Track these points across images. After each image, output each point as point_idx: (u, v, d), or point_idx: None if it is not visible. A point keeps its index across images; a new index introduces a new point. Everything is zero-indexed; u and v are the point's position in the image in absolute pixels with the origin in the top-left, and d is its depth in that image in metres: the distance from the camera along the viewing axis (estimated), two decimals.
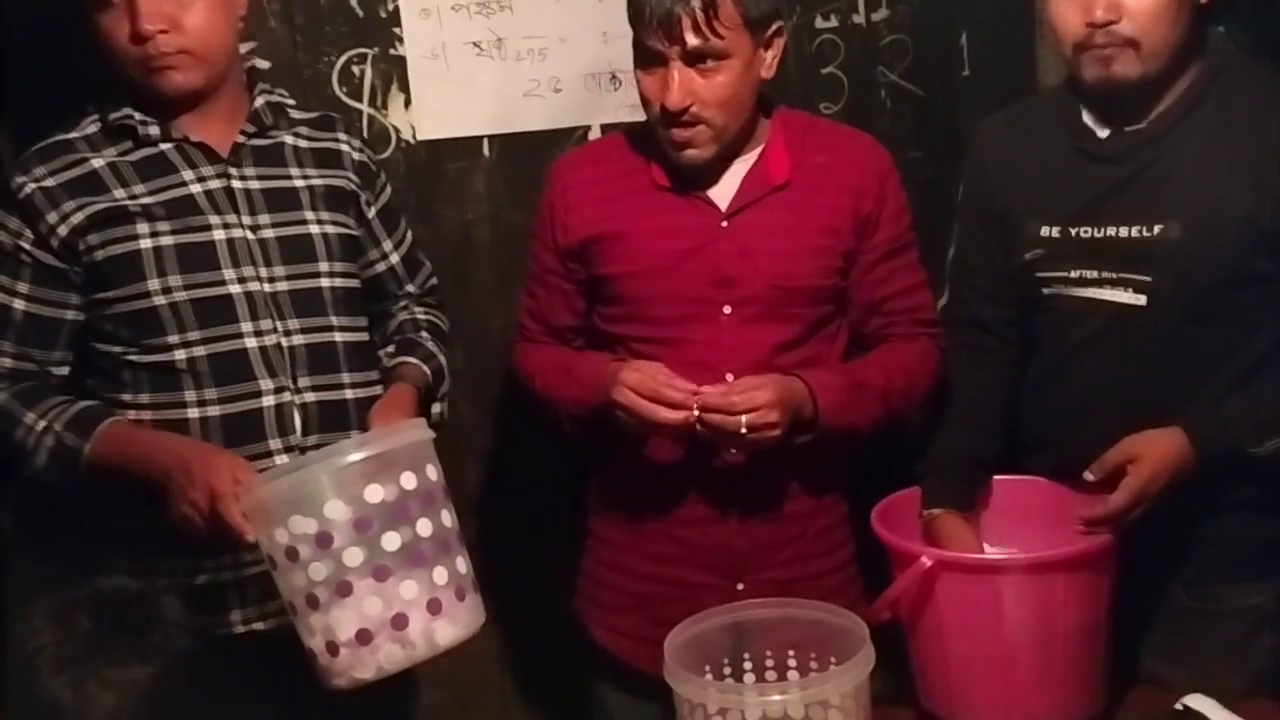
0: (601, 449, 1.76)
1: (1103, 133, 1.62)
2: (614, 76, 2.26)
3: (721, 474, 1.65)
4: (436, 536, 1.40)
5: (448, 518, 1.44)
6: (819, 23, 2.51)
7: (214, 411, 1.55)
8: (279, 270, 1.58)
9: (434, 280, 1.86)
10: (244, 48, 1.91)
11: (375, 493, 1.35)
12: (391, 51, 2.07)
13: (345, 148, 1.71)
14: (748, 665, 1.46)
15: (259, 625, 1.60)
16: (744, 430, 1.49)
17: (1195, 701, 1.45)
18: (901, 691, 1.65)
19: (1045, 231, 1.66)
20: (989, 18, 2.70)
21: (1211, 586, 1.64)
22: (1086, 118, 1.64)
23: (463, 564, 1.44)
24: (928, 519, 1.68)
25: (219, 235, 1.55)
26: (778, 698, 1.30)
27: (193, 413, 1.54)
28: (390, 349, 1.75)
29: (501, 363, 2.05)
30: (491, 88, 2.16)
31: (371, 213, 1.73)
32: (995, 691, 1.54)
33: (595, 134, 2.23)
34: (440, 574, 1.39)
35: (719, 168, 1.65)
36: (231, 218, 1.57)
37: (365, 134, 2.07)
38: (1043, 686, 1.53)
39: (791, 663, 1.44)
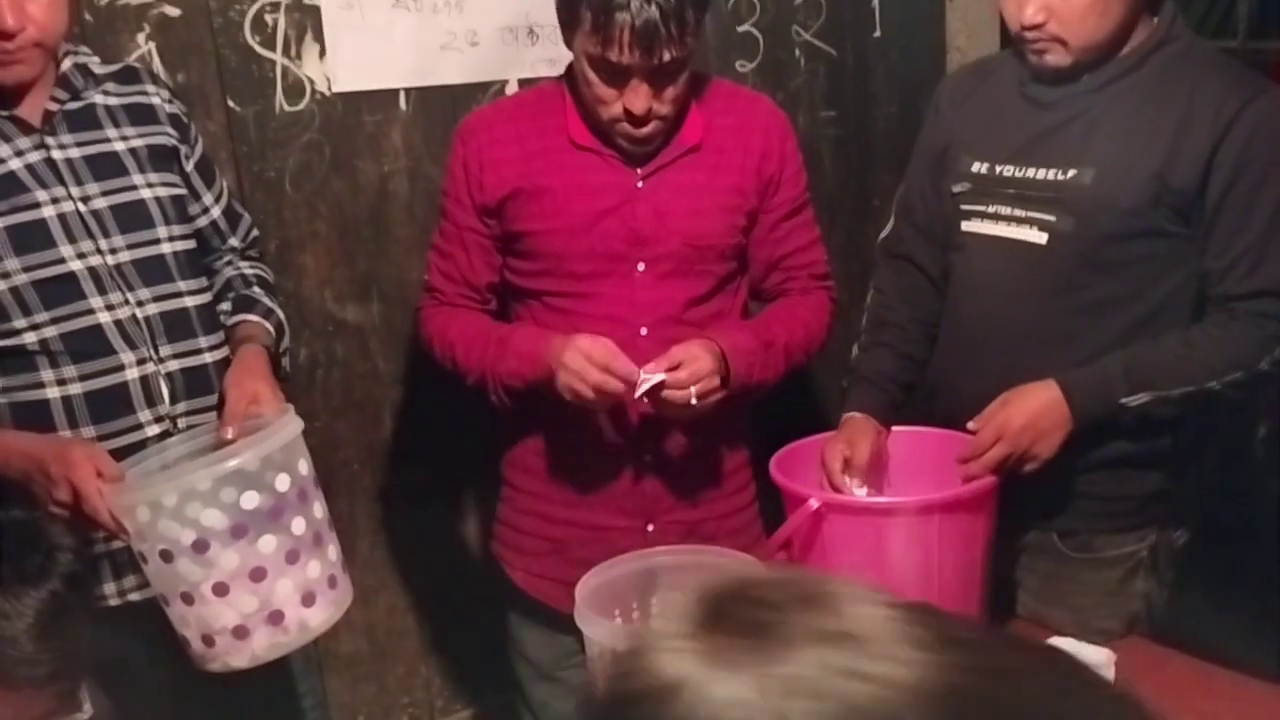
0: (517, 405, 1.79)
1: (1046, 84, 1.70)
2: (531, 30, 2.26)
3: (632, 422, 1.71)
4: (309, 531, 1.44)
5: (319, 509, 1.47)
6: None
7: (75, 390, 1.50)
8: (118, 240, 1.53)
9: (255, 232, 1.81)
10: None
11: (251, 499, 1.38)
12: (305, 1, 2.05)
13: (156, 100, 1.64)
14: (655, 610, 1.52)
15: (135, 596, 1.58)
16: (694, 401, 1.57)
17: (1060, 642, 1.54)
18: None
19: (975, 167, 1.74)
20: None
21: (1089, 536, 1.74)
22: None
23: (333, 551, 1.49)
24: (845, 420, 1.78)
25: (49, 211, 1.48)
26: None
27: (52, 392, 1.50)
28: (226, 306, 1.70)
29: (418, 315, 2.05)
30: (408, 40, 2.15)
31: (190, 166, 1.66)
32: None
33: (513, 88, 2.24)
34: (314, 568, 1.43)
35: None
36: (59, 190, 1.49)
37: (280, 85, 2.05)
38: None
39: None
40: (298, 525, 1.42)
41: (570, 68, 1.68)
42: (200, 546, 1.37)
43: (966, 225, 1.75)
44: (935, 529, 1.58)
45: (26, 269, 1.47)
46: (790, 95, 2.67)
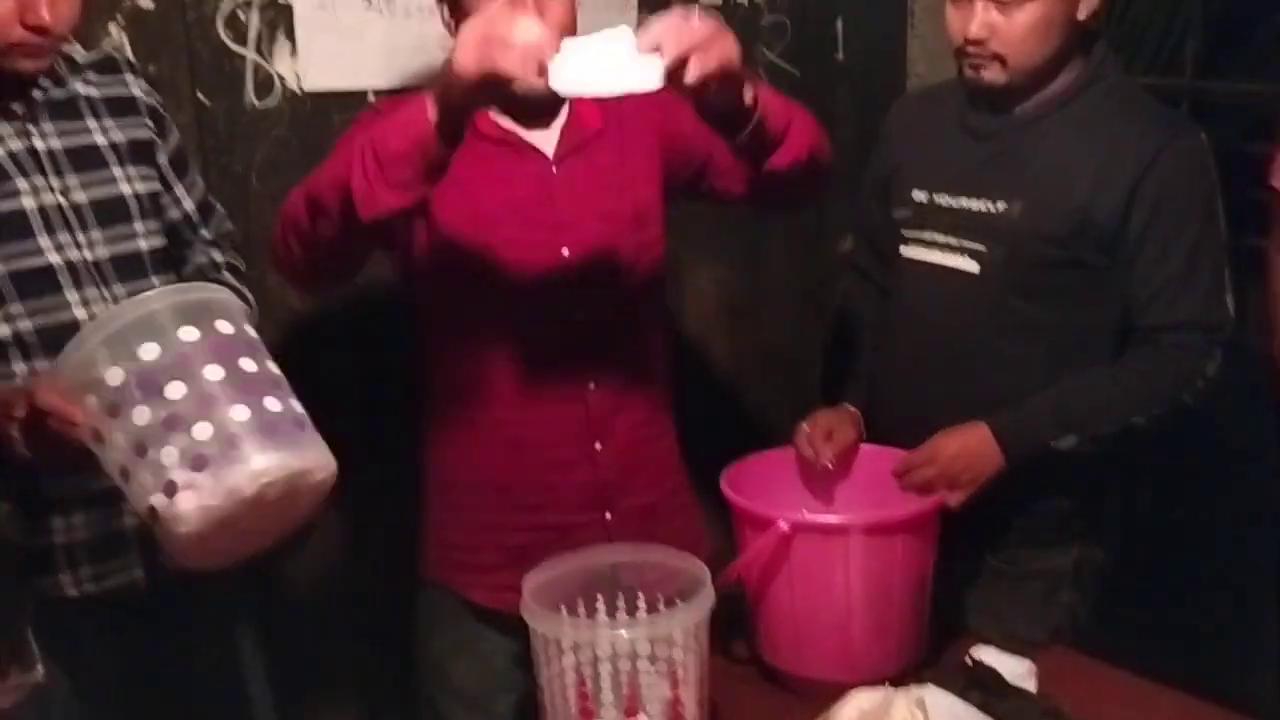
0: (452, 412, 1.77)
1: (983, 114, 1.78)
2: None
3: (583, 410, 1.73)
4: (261, 374, 1.35)
5: (271, 365, 1.39)
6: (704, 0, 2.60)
7: None
8: (96, 235, 1.53)
9: (229, 225, 1.81)
10: None
11: (190, 333, 1.32)
12: None
13: (137, 92, 1.65)
14: (600, 606, 1.54)
15: (91, 587, 1.58)
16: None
17: (981, 652, 1.61)
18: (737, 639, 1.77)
19: (917, 195, 1.83)
20: (864, 5, 2.83)
21: (1016, 550, 1.82)
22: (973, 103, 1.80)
23: (297, 406, 1.38)
24: (833, 408, 1.89)
25: (29, 202, 1.48)
26: (625, 633, 1.42)
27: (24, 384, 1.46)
28: None
29: (383, 315, 2.06)
30: (379, 42, 2.18)
31: (164, 159, 1.67)
32: (834, 643, 1.66)
33: None
34: (272, 403, 1.33)
35: (545, 122, 1.70)
36: (39, 180, 1.49)
37: (251, 81, 2.08)
38: (875, 638, 1.66)
39: (641, 602, 1.54)
40: (246, 364, 1.34)
41: None
42: (144, 380, 1.29)
43: (905, 251, 1.84)
44: (897, 545, 1.64)
45: (4, 259, 1.47)
46: None
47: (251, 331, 1.42)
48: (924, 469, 1.69)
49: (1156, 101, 1.80)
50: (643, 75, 1.30)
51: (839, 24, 2.81)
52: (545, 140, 1.71)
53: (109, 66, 1.64)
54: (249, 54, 2.07)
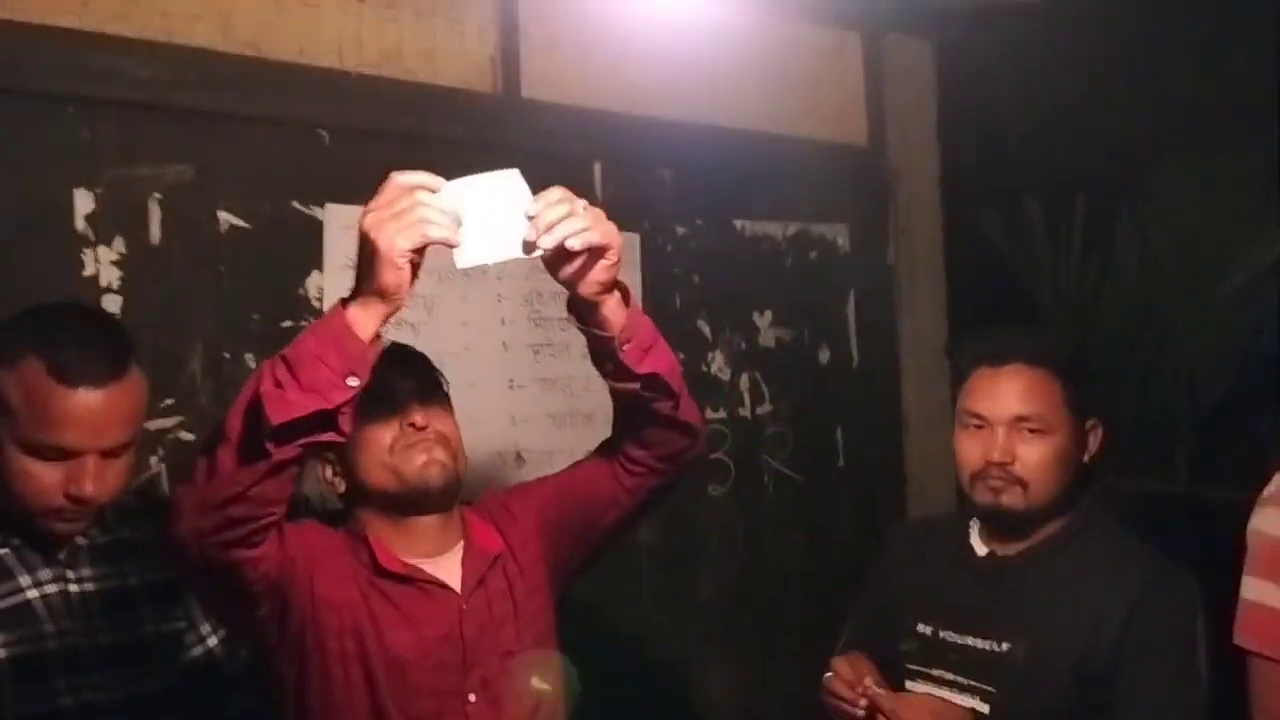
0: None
1: (982, 551, 1.83)
2: (519, 455, 2.44)
3: None
4: None
5: None
6: (709, 413, 2.76)
7: None
8: (113, 675, 1.53)
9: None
10: (170, 420, 2.06)
11: None
12: None
13: None
14: None
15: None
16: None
17: None
18: None
19: (921, 628, 1.84)
20: (862, 415, 3.00)
21: None
22: (973, 537, 1.86)
23: None
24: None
25: (53, 645, 1.50)
26: None
27: None
28: None
29: None
30: None
31: (191, 596, 1.68)
32: None
33: None
34: None
35: (449, 554, 1.63)
36: (66, 624, 1.52)
37: None
38: None
39: None
40: None
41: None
42: None
43: (912, 685, 1.82)
44: None
45: (19, 700, 1.47)
46: (760, 519, 2.82)
47: None
48: None
49: (1147, 547, 1.86)
50: (526, 240, 1.34)
51: (839, 433, 2.97)
52: (450, 573, 1.62)
53: (155, 511, 1.69)
54: None
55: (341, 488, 1.65)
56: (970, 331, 1.90)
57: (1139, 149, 3.25)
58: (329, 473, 1.65)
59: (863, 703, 1.74)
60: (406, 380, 1.63)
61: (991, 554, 1.82)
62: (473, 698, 1.59)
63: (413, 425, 1.59)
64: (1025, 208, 3.24)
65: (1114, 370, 3.19)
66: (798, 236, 2.94)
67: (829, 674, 1.82)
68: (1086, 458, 1.79)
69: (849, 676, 1.77)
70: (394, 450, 1.59)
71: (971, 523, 1.87)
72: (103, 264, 1.99)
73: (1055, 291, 3.17)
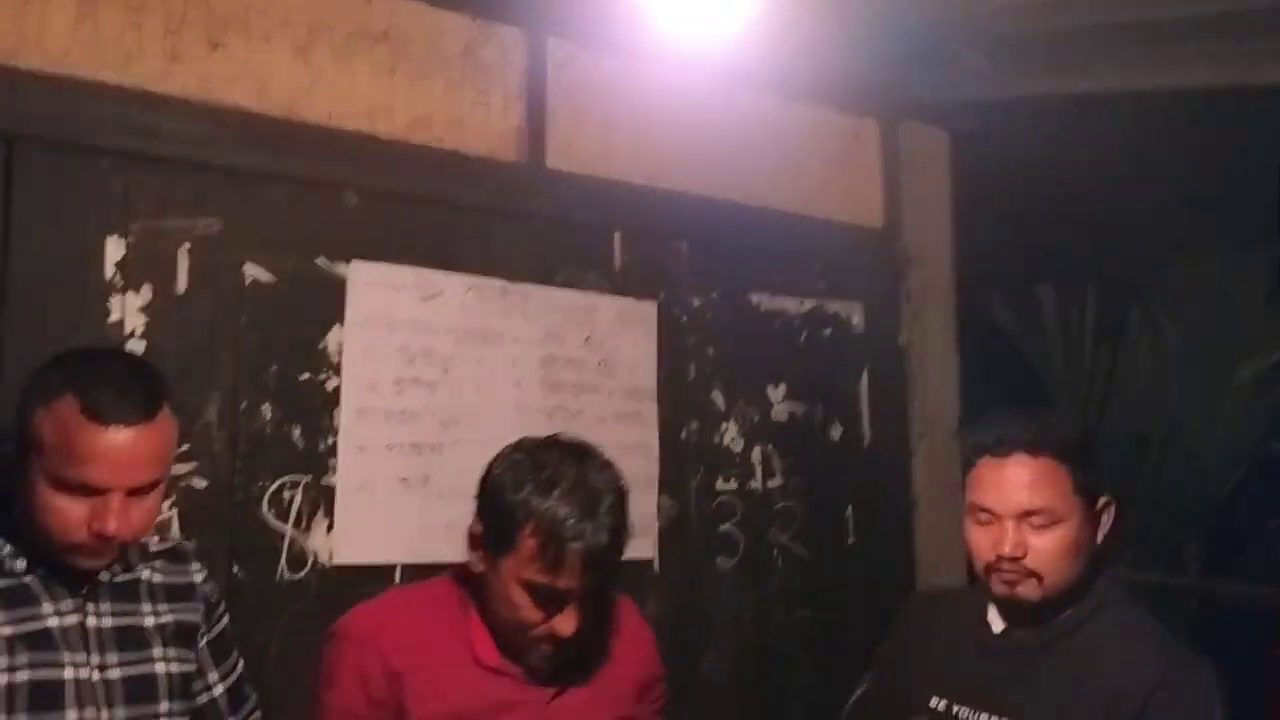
0: None
1: (998, 628, 1.81)
2: None
3: None
4: None
5: None
6: (720, 484, 2.76)
7: None
8: (120, 712, 1.55)
9: (258, 714, 1.81)
10: (184, 467, 2.07)
11: None
12: (323, 481, 2.22)
13: (197, 579, 1.71)
14: None
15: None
16: None
17: None
18: None
19: (934, 702, 1.81)
20: (872, 493, 2.99)
21: None
22: (990, 614, 1.84)
23: None
24: None
25: (68, 674, 1.52)
26: None
27: None
28: None
29: None
30: (412, 520, 2.31)
31: (203, 643, 1.70)
32: None
33: None
34: None
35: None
36: (80, 656, 1.54)
37: (284, 555, 2.18)
38: None
39: None
40: None
41: (467, 576, 1.69)
42: None
43: None
44: None
45: None
46: (768, 594, 2.80)
47: None
48: None
49: (1160, 628, 1.84)
50: None
51: (849, 510, 2.96)
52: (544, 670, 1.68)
53: (179, 557, 1.72)
54: (287, 530, 2.18)
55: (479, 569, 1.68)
56: (973, 420, 1.87)
57: (1152, 241, 3.30)
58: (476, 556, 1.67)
59: None
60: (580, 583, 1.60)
61: (1008, 631, 1.80)
62: None
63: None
64: (1038, 294, 3.27)
65: (1125, 462, 3.20)
66: (812, 313, 2.97)
67: None
68: (1100, 538, 1.78)
69: None
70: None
71: (989, 600, 1.86)
72: (129, 310, 2.03)
73: (1067, 378, 3.19)
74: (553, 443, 1.68)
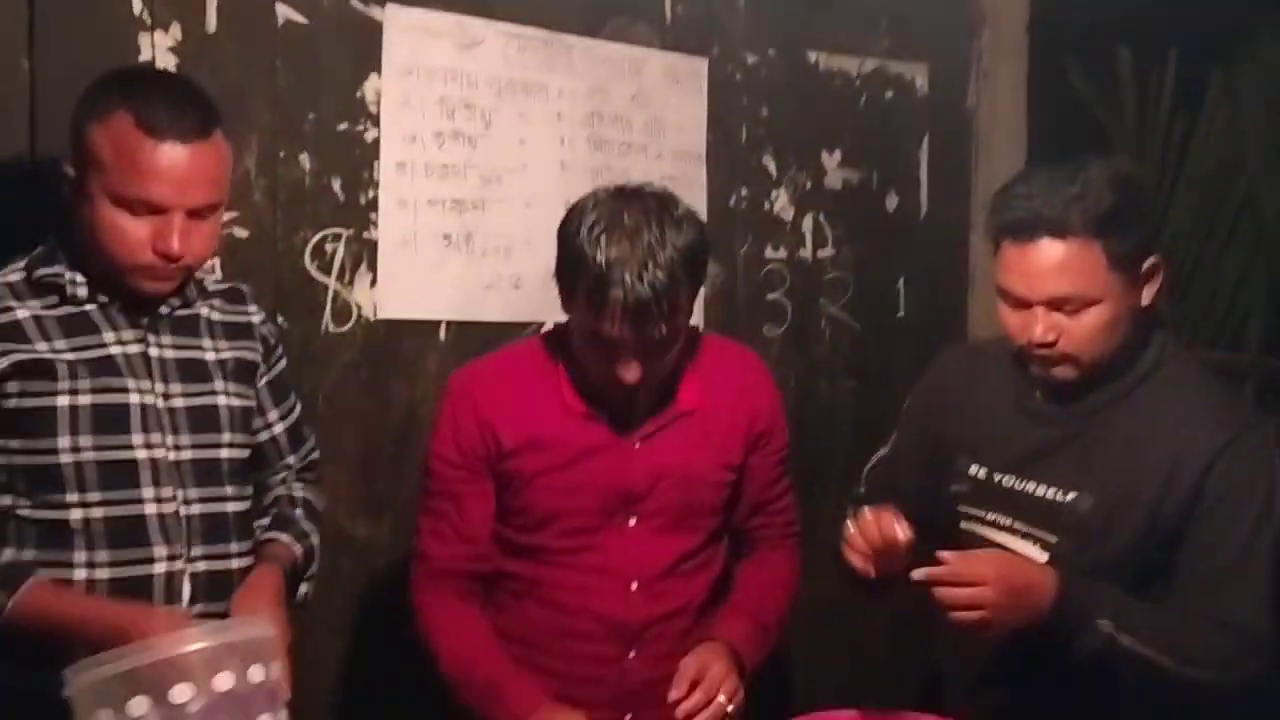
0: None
1: (1043, 392, 1.71)
2: None
3: (619, 622, 1.74)
4: None
5: (285, 716, 1.44)
6: (768, 252, 2.69)
7: (102, 575, 1.52)
8: (185, 439, 1.59)
9: (315, 454, 1.85)
10: (226, 215, 2.03)
11: (225, 680, 1.35)
12: (365, 235, 2.18)
13: (255, 319, 1.74)
14: None
15: None
16: (730, 709, 1.63)
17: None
18: None
19: (974, 470, 1.74)
20: (926, 268, 2.91)
21: None
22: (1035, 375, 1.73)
23: None
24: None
25: (134, 399, 1.55)
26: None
27: (80, 574, 1.51)
28: (265, 521, 1.73)
29: None
30: (455, 277, 2.28)
31: (262, 382, 1.74)
32: None
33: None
34: None
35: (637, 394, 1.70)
36: (145, 384, 1.57)
37: (329, 308, 2.16)
38: None
39: None
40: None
41: (561, 331, 1.74)
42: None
43: (965, 525, 1.76)
44: None
45: (98, 448, 1.52)
46: (814, 363, 2.77)
47: (276, 672, 1.43)
48: (974, 591, 1.50)
49: (1222, 386, 1.75)
50: None
51: (901, 283, 2.89)
52: (633, 413, 1.73)
53: (236, 297, 1.74)
54: (330, 282, 2.16)
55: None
56: (1003, 188, 1.64)
57: (1235, 6, 3.07)
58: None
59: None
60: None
61: (1056, 395, 1.70)
62: (633, 521, 1.73)
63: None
64: (1116, 58, 3.07)
65: (1192, 238, 3.08)
66: (874, 74, 2.81)
67: (853, 524, 1.62)
68: (1147, 300, 1.64)
69: (876, 537, 1.58)
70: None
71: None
72: (159, 49, 1.95)
73: (1141, 147, 3.04)
74: (634, 191, 1.64)
